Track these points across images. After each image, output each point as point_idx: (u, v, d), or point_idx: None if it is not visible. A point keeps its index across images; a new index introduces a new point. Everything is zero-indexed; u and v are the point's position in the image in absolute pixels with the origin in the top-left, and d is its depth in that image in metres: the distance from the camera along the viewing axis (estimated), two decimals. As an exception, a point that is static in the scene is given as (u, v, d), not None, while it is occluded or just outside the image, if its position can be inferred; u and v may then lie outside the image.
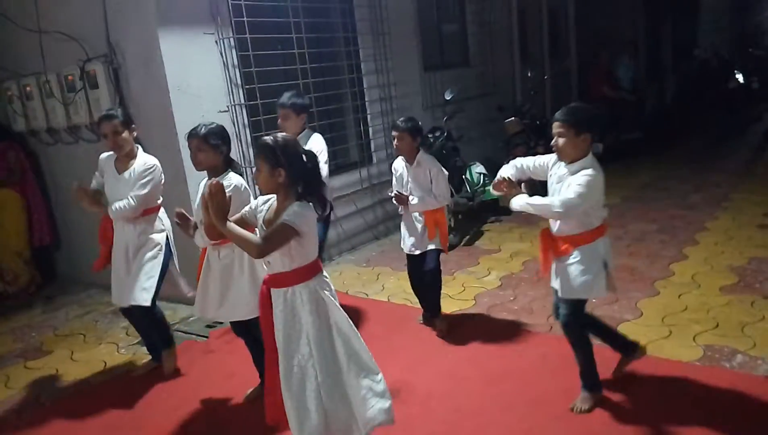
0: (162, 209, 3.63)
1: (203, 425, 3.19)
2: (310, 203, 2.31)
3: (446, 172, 3.80)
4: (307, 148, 2.63)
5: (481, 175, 6.30)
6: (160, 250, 3.57)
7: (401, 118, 3.76)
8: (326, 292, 2.37)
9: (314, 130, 4.17)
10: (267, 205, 2.42)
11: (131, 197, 3.37)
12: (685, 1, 13.11)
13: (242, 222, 2.42)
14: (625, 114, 9.08)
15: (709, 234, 5.25)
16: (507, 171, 3.02)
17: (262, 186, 2.33)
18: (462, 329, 3.92)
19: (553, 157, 2.87)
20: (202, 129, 2.97)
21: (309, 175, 2.31)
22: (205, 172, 3.06)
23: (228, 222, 2.17)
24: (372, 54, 6.06)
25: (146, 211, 3.50)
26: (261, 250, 2.19)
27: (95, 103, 4.75)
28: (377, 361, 2.48)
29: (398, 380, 3.30)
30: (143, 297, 3.51)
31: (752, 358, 3.20)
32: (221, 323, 4.17)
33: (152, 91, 4.50)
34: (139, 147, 3.55)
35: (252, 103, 4.92)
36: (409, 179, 3.80)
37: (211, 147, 2.96)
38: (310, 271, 2.34)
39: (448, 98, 6.45)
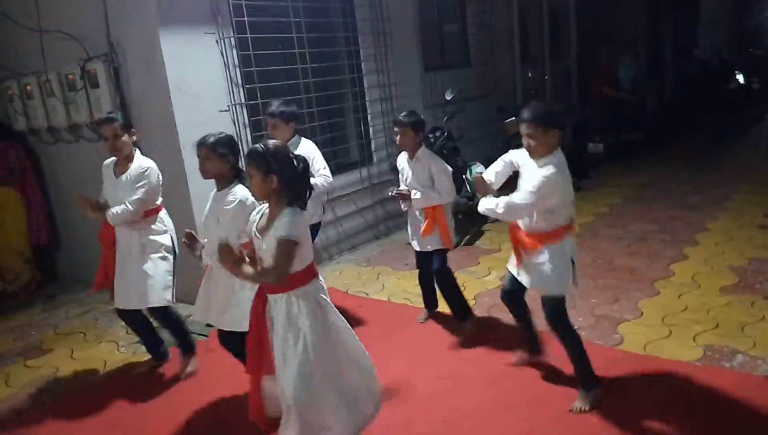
0: (164, 210, 3.63)
1: (203, 424, 3.19)
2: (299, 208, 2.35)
3: (450, 169, 3.77)
4: (297, 153, 2.65)
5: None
6: (168, 250, 3.57)
7: (403, 113, 3.74)
8: (322, 295, 2.43)
9: (314, 130, 4.16)
10: (259, 214, 2.47)
11: (128, 202, 3.37)
12: (685, 0, 13.12)
13: (251, 247, 2.47)
14: (626, 114, 9.09)
15: (710, 234, 5.25)
16: (495, 166, 3.13)
17: (255, 192, 2.40)
18: (462, 329, 3.90)
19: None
20: (211, 138, 2.99)
21: (300, 179, 2.36)
22: (213, 180, 3.07)
23: (244, 266, 2.29)
24: (372, 54, 6.06)
25: (147, 213, 3.50)
26: (278, 276, 2.25)
27: (96, 103, 4.76)
28: (377, 361, 2.50)
29: (398, 380, 3.31)
30: (163, 296, 3.50)
31: (752, 358, 3.20)
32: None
33: (153, 90, 4.50)
34: (137, 150, 3.55)
35: (252, 102, 4.93)
36: (410, 175, 3.80)
37: (219, 156, 2.97)
38: (307, 276, 2.38)
39: (448, 98, 6.45)
